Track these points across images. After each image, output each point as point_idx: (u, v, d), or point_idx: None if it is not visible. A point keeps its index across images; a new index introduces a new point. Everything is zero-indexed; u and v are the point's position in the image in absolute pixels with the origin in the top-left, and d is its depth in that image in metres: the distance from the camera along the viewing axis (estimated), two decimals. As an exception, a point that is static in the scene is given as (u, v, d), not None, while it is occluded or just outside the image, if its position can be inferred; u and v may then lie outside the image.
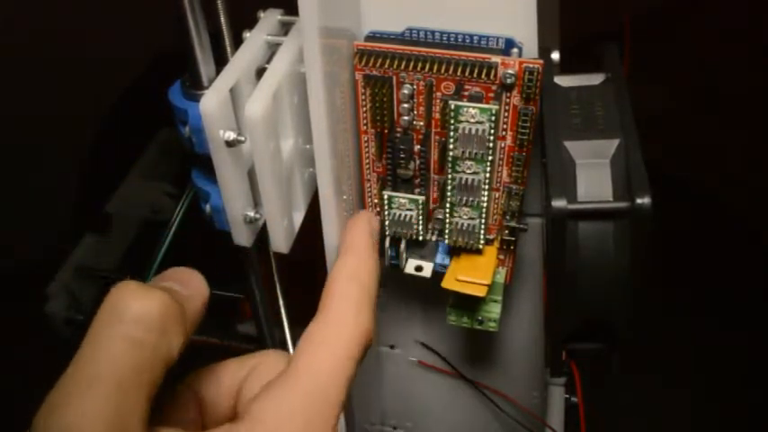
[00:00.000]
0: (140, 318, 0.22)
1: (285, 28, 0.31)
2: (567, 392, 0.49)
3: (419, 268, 0.33)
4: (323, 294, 0.27)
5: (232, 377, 0.26)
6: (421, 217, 0.32)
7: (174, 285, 0.24)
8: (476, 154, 0.28)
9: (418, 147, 0.31)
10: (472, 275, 0.31)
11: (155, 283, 0.24)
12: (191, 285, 0.25)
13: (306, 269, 0.36)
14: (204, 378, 0.26)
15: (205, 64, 0.29)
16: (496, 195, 0.31)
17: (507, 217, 0.31)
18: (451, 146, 0.28)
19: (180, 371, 0.24)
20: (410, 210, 0.31)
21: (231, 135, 0.27)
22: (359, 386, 0.42)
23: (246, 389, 0.26)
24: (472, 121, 0.27)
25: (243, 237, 0.31)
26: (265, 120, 0.27)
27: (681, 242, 0.82)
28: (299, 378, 0.24)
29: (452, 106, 0.27)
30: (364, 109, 0.30)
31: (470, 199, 0.29)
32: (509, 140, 0.29)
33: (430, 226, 0.33)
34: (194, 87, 0.29)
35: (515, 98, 0.28)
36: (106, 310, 0.22)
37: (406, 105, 0.29)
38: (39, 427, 0.20)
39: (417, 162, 0.31)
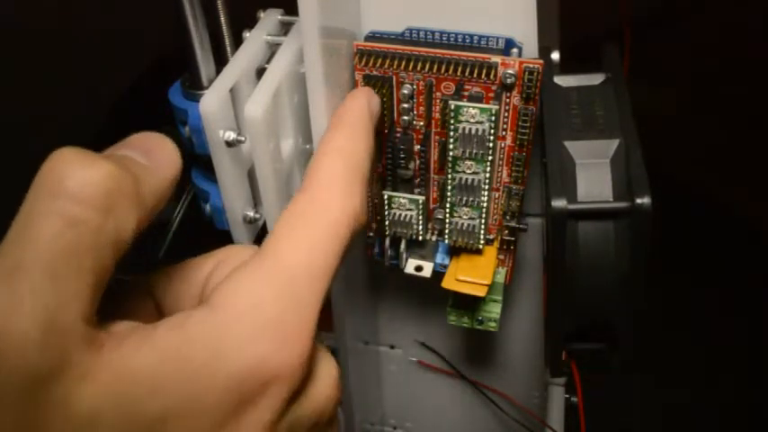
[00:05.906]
0: (79, 192, 0.18)
1: (285, 28, 0.31)
2: (567, 392, 0.49)
3: (419, 268, 0.33)
4: (306, 172, 0.24)
5: (195, 274, 0.23)
6: (421, 217, 0.31)
7: (132, 154, 0.20)
8: (476, 154, 0.28)
9: (418, 147, 0.31)
10: (472, 275, 0.31)
11: (110, 151, 0.21)
12: (155, 155, 0.21)
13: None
14: (165, 276, 0.23)
15: (205, 64, 0.29)
16: (496, 195, 0.31)
17: (507, 217, 0.31)
18: (451, 146, 0.28)
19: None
20: (410, 210, 0.31)
21: (231, 135, 0.27)
22: (359, 386, 0.42)
23: (212, 283, 0.22)
24: (472, 121, 0.27)
25: (243, 237, 0.31)
26: (265, 120, 0.27)
27: (681, 242, 0.82)
28: (272, 261, 0.20)
29: (452, 106, 0.27)
30: (364, 109, 0.30)
31: (470, 199, 0.29)
32: (509, 140, 0.29)
33: (430, 226, 0.33)
34: (194, 87, 0.29)
35: (515, 98, 0.28)
36: (38, 183, 0.18)
37: (406, 105, 0.29)
38: None
39: (417, 162, 0.31)
